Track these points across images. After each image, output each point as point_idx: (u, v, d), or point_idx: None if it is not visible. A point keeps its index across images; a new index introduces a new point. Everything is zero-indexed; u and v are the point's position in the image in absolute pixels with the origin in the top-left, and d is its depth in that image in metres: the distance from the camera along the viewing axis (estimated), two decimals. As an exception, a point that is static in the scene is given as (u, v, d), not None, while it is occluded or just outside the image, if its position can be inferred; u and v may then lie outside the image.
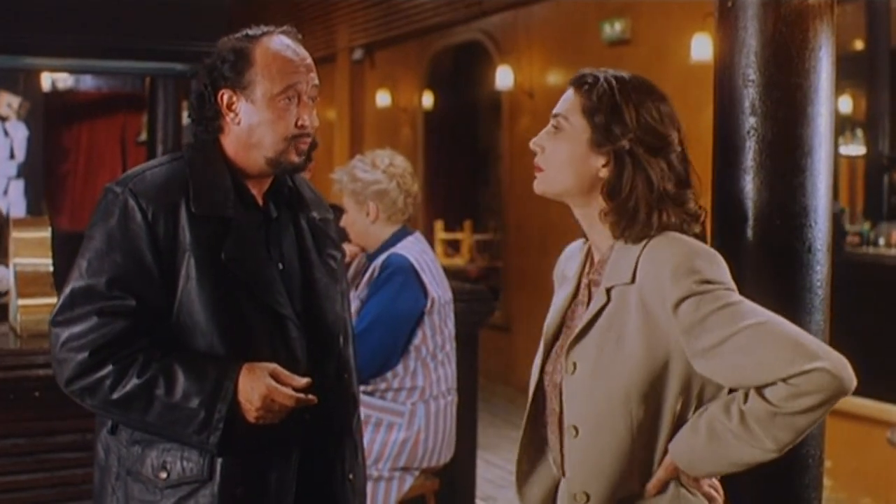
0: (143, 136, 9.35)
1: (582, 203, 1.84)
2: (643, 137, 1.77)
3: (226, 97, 2.11)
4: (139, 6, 5.06)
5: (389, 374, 3.31)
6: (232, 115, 2.11)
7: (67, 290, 2.02)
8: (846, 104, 7.41)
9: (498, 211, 9.42)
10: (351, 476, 2.24)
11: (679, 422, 1.76)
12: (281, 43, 2.12)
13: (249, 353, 2.03)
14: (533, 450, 1.94)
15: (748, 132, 2.05)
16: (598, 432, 1.77)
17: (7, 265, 3.63)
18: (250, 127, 2.10)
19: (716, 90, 2.14)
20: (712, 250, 1.77)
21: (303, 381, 2.01)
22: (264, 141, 2.09)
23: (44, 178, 9.81)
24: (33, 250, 3.50)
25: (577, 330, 1.81)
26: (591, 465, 1.78)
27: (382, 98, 10.57)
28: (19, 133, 9.54)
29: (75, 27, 4.89)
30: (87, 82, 10.11)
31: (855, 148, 7.19)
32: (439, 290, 3.37)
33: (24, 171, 9.56)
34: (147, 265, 2.01)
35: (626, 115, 1.78)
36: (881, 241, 6.37)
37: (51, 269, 3.46)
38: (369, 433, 3.25)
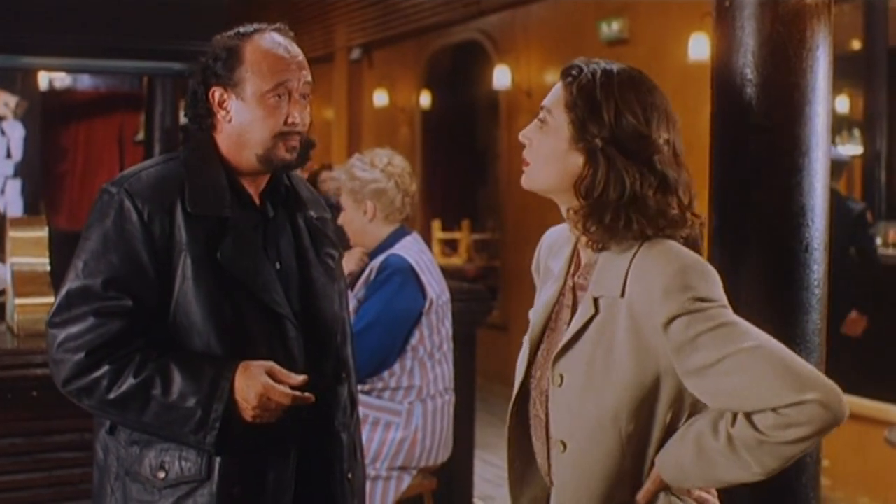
0: (141, 136, 9.35)
1: (566, 200, 1.77)
2: (620, 137, 1.68)
3: (217, 95, 2.10)
4: (137, 6, 5.06)
5: (386, 374, 3.31)
6: (223, 112, 2.11)
7: (64, 291, 2.02)
8: (843, 104, 7.42)
9: (496, 210, 9.41)
10: (349, 476, 2.24)
11: (669, 431, 1.71)
12: (272, 40, 2.11)
13: (246, 352, 2.03)
14: (521, 453, 1.89)
15: (746, 132, 2.05)
16: (588, 448, 1.71)
17: (4, 264, 3.63)
18: (241, 125, 2.09)
19: (713, 90, 2.13)
20: (706, 264, 1.68)
21: (299, 378, 2.01)
22: (254, 138, 2.09)
23: (41, 177, 9.80)
24: (30, 250, 3.50)
25: (563, 341, 1.74)
26: (580, 480, 1.73)
27: (380, 97, 10.57)
28: (16, 132, 9.54)
29: (73, 27, 4.89)
30: (85, 82, 10.10)
31: (852, 148, 7.20)
32: (437, 290, 3.37)
33: (21, 171, 9.56)
34: (143, 265, 2.01)
35: (603, 113, 1.69)
36: (878, 240, 6.37)
37: (48, 268, 3.46)
38: (366, 432, 3.25)
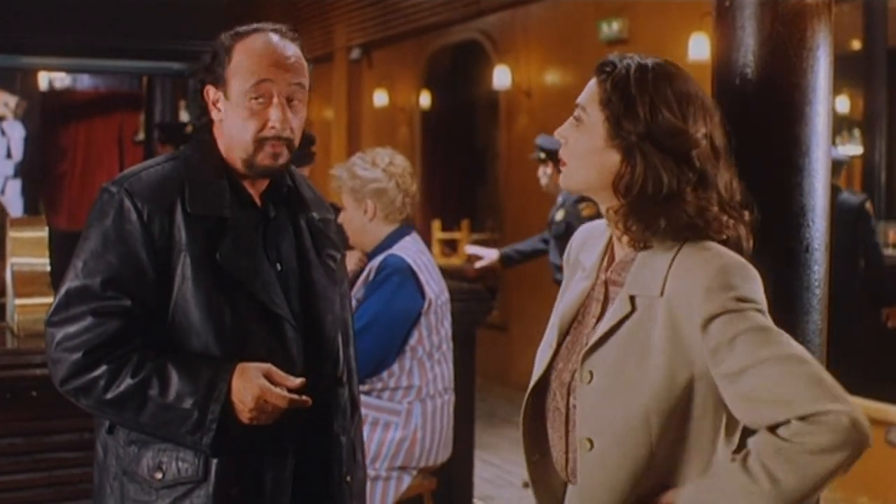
0: (141, 136, 9.36)
1: (605, 199, 1.73)
2: (656, 133, 1.65)
3: (211, 93, 2.10)
4: (137, 6, 5.07)
5: (385, 374, 3.31)
6: (216, 111, 2.10)
7: (63, 290, 2.02)
8: (843, 104, 7.42)
9: (495, 210, 9.41)
10: (349, 478, 2.23)
11: (703, 435, 1.66)
12: (263, 41, 2.08)
13: (245, 353, 2.02)
14: (537, 444, 1.84)
15: (746, 131, 2.05)
16: (616, 448, 1.67)
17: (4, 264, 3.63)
18: (228, 126, 2.08)
19: (713, 90, 2.13)
20: (747, 264, 1.65)
21: (296, 381, 2.00)
22: (238, 141, 2.07)
23: (41, 177, 9.82)
24: (30, 250, 3.50)
25: (595, 338, 1.70)
26: (607, 479, 1.69)
27: (380, 97, 10.57)
28: (16, 132, 9.55)
29: (73, 27, 4.89)
30: (85, 81, 10.11)
31: (852, 148, 7.20)
32: (436, 290, 3.36)
33: (21, 171, 9.58)
34: (142, 265, 2.00)
35: (638, 109, 1.65)
36: (878, 240, 6.37)
37: (48, 268, 3.46)
38: (366, 432, 3.24)
